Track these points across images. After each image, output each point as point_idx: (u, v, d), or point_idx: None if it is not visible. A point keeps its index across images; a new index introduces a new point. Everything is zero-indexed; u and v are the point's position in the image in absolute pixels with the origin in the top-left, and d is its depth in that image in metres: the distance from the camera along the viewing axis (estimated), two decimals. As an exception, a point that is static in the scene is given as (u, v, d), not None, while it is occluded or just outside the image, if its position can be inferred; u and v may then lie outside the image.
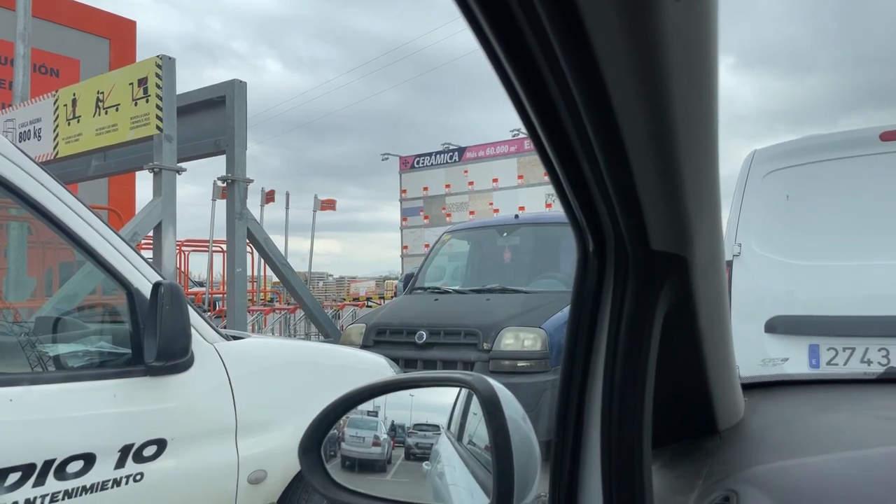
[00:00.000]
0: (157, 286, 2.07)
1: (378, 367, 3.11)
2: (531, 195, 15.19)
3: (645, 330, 0.71)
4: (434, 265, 6.64)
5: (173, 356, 2.12)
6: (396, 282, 11.60)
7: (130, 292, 2.18)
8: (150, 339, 2.09)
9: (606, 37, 0.43)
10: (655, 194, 0.60)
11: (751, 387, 1.17)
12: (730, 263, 3.68)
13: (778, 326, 3.44)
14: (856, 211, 3.42)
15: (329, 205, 15.19)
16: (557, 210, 14.46)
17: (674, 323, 0.76)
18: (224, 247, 9.54)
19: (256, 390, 2.51)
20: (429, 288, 6.20)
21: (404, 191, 17.72)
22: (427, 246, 12.39)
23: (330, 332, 7.61)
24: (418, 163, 17.70)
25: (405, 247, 17.49)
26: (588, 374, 0.74)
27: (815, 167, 3.59)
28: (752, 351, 3.50)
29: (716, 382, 0.89)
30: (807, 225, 3.53)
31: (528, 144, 15.68)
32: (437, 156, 17.43)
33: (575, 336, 0.74)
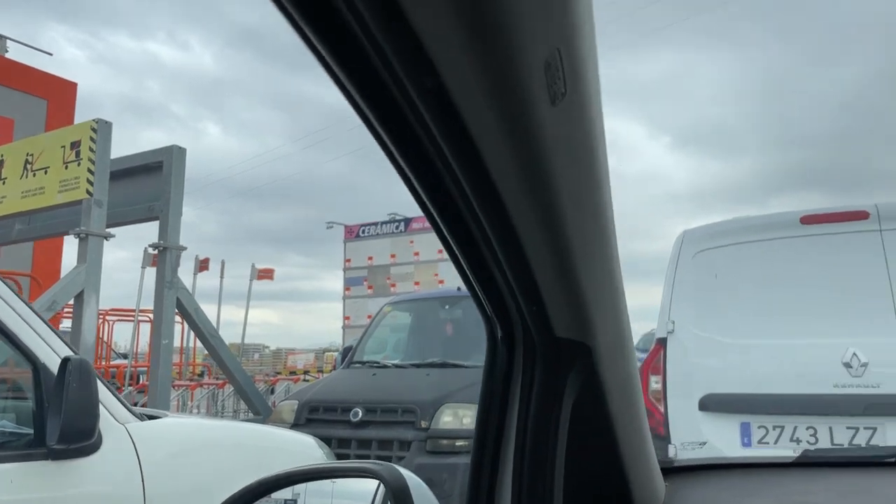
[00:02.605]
0: (65, 361, 1.93)
1: (306, 448, 2.95)
2: None
3: (553, 417, 0.71)
4: (375, 338, 6.51)
5: (78, 438, 1.95)
6: (336, 354, 11.31)
7: (36, 367, 2.02)
8: (54, 418, 1.93)
9: (490, 140, 0.45)
10: (554, 286, 0.62)
11: (672, 471, 1.17)
12: (663, 341, 3.74)
13: (710, 405, 3.48)
14: (780, 291, 3.56)
15: (266, 274, 14.85)
16: None
17: (584, 409, 0.77)
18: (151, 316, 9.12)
19: (170, 475, 2.33)
20: (367, 362, 6.05)
21: (348, 260, 17.60)
22: (370, 317, 12.22)
23: (260, 410, 7.26)
24: (363, 232, 17.70)
25: (347, 317, 17.20)
26: (498, 460, 0.74)
27: (742, 248, 3.74)
28: (686, 429, 3.51)
29: (631, 468, 0.88)
30: (735, 304, 3.64)
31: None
32: (383, 225, 17.50)
33: (485, 424, 0.74)
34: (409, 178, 0.52)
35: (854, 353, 3.24)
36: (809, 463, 1.25)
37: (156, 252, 6.90)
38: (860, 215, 3.50)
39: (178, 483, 2.33)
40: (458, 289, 6.58)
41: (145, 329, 13.18)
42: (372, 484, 0.92)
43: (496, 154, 0.47)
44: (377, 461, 0.89)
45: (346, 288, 17.45)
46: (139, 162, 6.93)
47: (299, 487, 0.93)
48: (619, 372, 0.78)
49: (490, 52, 0.39)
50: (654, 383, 3.73)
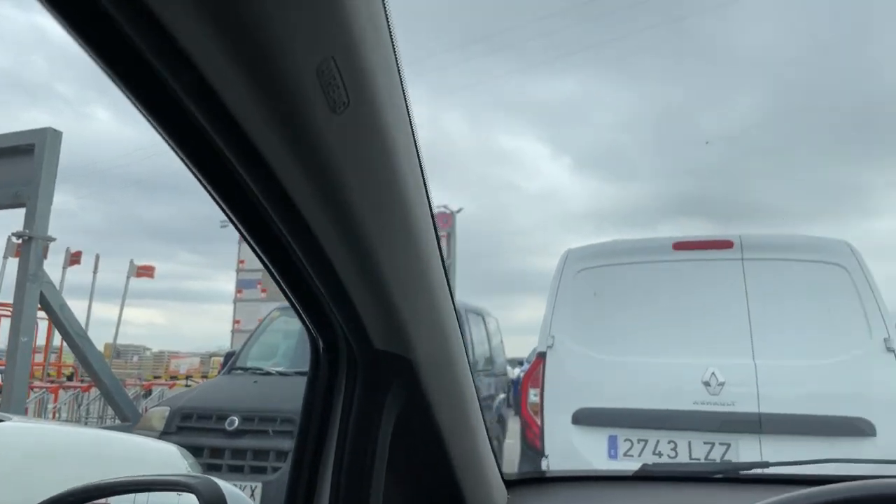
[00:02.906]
0: None
1: (168, 457, 2.77)
2: None
3: (374, 430, 0.70)
4: (260, 343, 6.26)
5: None
6: (223, 359, 10.82)
7: None
8: None
9: (271, 145, 0.45)
10: (365, 298, 0.62)
11: (515, 483, 1.19)
12: (543, 355, 3.84)
13: (582, 418, 3.61)
14: (651, 311, 3.76)
15: (146, 271, 13.98)
16: None
17: (412, 421, 0.76)
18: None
19: (5, 486, 2.10)
20: (250, 368, 5.81)
21: (242, 261, 16.91)
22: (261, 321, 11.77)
23: (129, 415, 6.79)
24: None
25: (237, 321, 16.49)
26: (317, 476, 0.71)
27: (619, 269, 3.93)
28: (560, 442, 3.61)
29: (466, 479, 0.89)
30: (610, 321, 3.81)
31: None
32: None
33: (304, 439, 0.72)
34: (205, 185, 0.51)
35: (713, 373, 3.46)
36: (647, 477, 1.30)
37: (20, 241, 6.32)
38: (725, 244, 3.77)
39: (12, 493, 2.11)
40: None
41: (5, 324, 12.05)
42: (188, 498, 0.85)
43: (281, 162, 0.46)
44: (193, 474, 0.83)
45: (238, 290, 16.77)
46: (8, 143, 6.33)
47: (110, 500, 0.85)
48: (445, 385, 0.78)
49: (255, 56, 0.39)
50: (533, 396, 3.82)
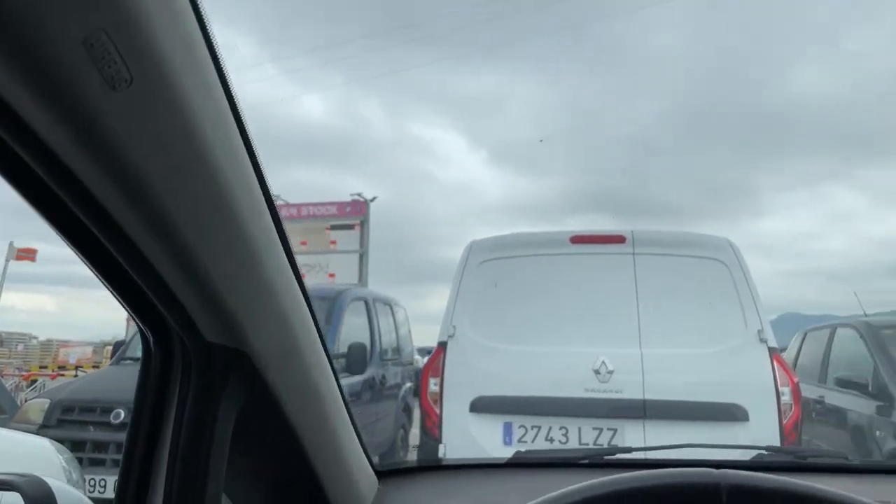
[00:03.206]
0: None
1: (41, 452, 2.60)
2: (312, 263, 14.69)
3: (209, 425, 0.67)
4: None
5: None
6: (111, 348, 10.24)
7: None
8: None
9: (49, 130, 0.43)
10: (186, 289, 0.59)
11: (388, 473, 1.19)
12: (444, 345, 3.88)
13: (479, 406, 3.68)
14: (549, 302, 3.87)
15: (27, 254, 12.95)
16: (339, 281, 14.04)
17: (257, 417, 0.74)
18: None
19: None
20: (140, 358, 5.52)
21: None
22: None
23: (5, 407, 6.31)
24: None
25: (133, 309, 15.62)
26: (150, 475, 0.68)
27: (520, 260, 4.02)
28: (457, 430, 3.67)
29: (326, 472, 0.87)
30: (510, 312, 3.90)
31: (287, 211, 15.42)
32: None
33: (135, 437, 0.69)
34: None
35: (603, 361, 3.62)
36: (519, 464, 1.33)
37: None
38: (619, 239, 3.93)
39: None
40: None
41: None
42: (13, 497, 0.79)
43: (59, 142, 0.44)
44: (20, 473, 0.77)
45: (136, 276, 15.89)
46: None
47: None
48: (293, 379, 0.76)
49: (6, 23, 0.36)
50: (433, 385, 3.85)
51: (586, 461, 1.34)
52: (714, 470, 0.64)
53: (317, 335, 0.81)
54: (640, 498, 0.63)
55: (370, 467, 1.11)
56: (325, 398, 0.84)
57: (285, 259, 0.68)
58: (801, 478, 1.45)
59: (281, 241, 0.67)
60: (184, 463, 0.66)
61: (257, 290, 0.65)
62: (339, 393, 0.91)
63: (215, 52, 0.49)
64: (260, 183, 0.60)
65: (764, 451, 1.54)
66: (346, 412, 0.94)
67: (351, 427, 0.97)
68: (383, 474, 1.17)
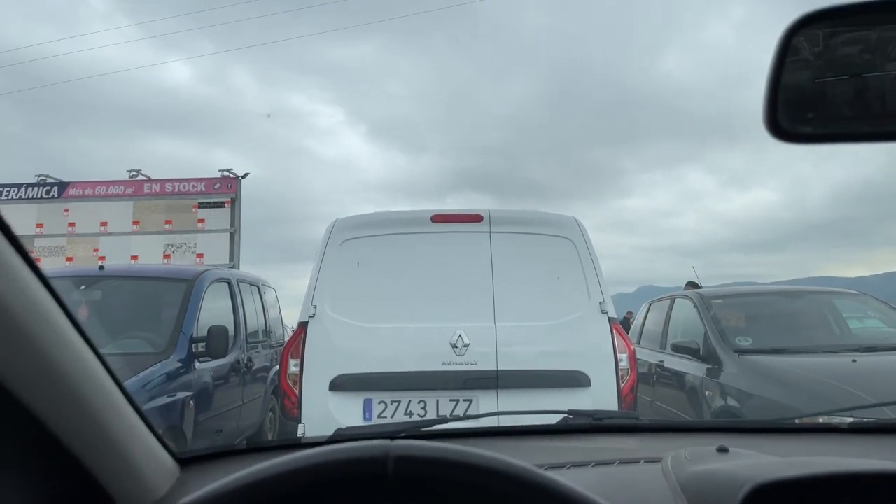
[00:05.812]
0: None
1: None
2: (148, 244, 13.87)
3: None
4: None
5: None
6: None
7: None
8: None
9: None
10: None
11: (191, 460, 1.18)
12: (305, 325, 3.85)
13: (339, 384, 3.70)
14: (408, 280, 3.95)
15: None
16: (175, 263, 13.35)
17: (5, 423, 0.70)
18: None
19: None
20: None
21: (40, 224, 14.41)
22: None
23: None
24: (3, 194, 14.68)
25: None
26: None
27: (382, 239, 4.06)
28: (317, 409, 3.67)
29: (97, 463, 0.84)
30: (371, 290, 3.93)
31: (149, 188, 14.45)
32: (30, 188, 14.73)
33: None
34: None
35: (459, 335, 3.75)
36: (340, 439, 1.36)
37: None
38: (476, 218, 4.07)
39: None
40: (100, 267, 5.87)
41: None
42: None
43: None
44: None
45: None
46: None
47: None
48: (38, 374, 0.71)
49: None
50: (293, 367, 3.81)
51: (403, 434, 1.39)
52: (388, 441, 0.66)
53: (72, 325, 0.77)
54: (310, 475, 0.65)
55: (169, 456, 1.09)
56: (87, 392, 0.80)
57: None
58: (597, 437, 1.59)
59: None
60: None
61: None
62: (113, 389, 0.87)
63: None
64: None
65: (569, 416, 1.67)
66: (125, 407, 0.91)
67: (134, 421, 0.94)
68: (186, 461, 1.15)
